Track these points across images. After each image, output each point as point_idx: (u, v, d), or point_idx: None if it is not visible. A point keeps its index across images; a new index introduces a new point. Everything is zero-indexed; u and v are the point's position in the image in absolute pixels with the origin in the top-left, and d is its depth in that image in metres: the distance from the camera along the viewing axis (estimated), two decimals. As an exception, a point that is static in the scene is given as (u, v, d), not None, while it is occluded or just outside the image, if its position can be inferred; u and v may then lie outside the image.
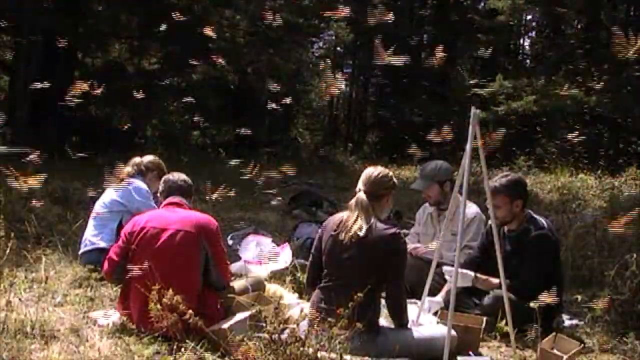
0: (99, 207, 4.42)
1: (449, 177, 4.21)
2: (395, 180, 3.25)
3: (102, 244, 4.20)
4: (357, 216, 3.10)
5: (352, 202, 3.16)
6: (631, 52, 2.41)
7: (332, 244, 3.14)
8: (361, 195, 3.14)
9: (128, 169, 4.50)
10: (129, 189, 4.36)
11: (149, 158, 4.60)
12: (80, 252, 4.30)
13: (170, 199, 3.43)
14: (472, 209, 4.19)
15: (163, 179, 3.58)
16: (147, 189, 4.44)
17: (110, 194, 4.41)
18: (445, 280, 3.70)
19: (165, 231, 3.23)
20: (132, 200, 4.34)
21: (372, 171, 3.21)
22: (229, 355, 2.80)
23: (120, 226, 4.23)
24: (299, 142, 17.53)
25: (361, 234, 3.04)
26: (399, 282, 3.12)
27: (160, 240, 3.22)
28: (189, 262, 3.20)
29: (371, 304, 2.98)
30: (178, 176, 3.55)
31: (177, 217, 3.30)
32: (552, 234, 3.72)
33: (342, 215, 3.21)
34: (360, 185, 3.19)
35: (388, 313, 3.23)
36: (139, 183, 4.44)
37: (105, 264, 3.40)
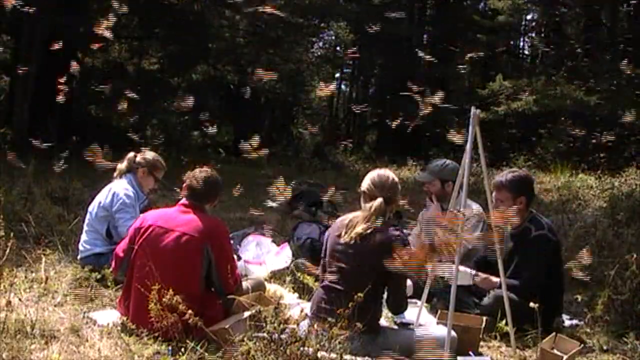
0: (89, 212, 4.33)
1: (453, 178, 4.21)
2: None
3: (97, 249, 4.19)
4: (368, 218, 3.08)
5: (368, 206, 3.13)
6: None
7: (335, 244, 3.15)
8: (380, 201, 3.11)
9: (121, 165, 4.37)
10: (112, 193, 4.23)
11: (143, 154, 4.41)
12: (78, 257, 4.29)
13: (184, 201, 3.38)
14: (474, 207, 4.22)
15: (188, 174, 3.41)
16: (127, 193, 4.23)
17: (98, 199, 4.32)
18: (443, 279, 3.70)
19: (170, 232, 3.22)
20: (111, 207, 4.21)
21: (386, 176, 3.20)
22: (228, 355, 2.81)
23: (109, 230, 4.22)
24: (299, 142, 17.50)
25: (364, 232, 3.04)
26: (401, 282, 3.13)
27: (163, 242, 3.22)
28: (190, 266, 3.19)
29: (372, 304, 2.98)
30: (197, 178, 3.37)
31: (184, 219, 3.27)
32: (552, 235, 3.73)
33: (349, 216, 3.21)
34: (373, 188, 3.17)
35: (387, 308, 3.23)
36: (117, 187, 4.26)
37: (112, 261, 3.45)
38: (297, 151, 15.97)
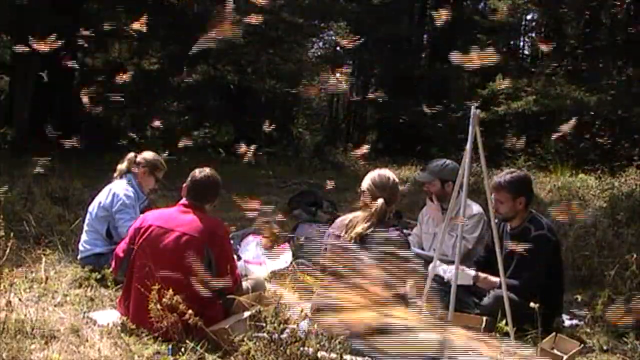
0: (89, 212, 4.34)
1: (453, 178, 4.21)
2: None
3: (97, 249, 4.19)
4: (369, 219, 3.09)
5: (370, 206, 3.14)
6: None
7: (334, 244, 3.15)
8: (381, 202, 3.12)
9: (122, 165, 4.38)
10: (112, 194, 4.24)
11: (144, 154, 4.42)
12: (78, 257, 4.30)
13: (184, 200, 3.39)
14: (474, 207, 4.22)
15: (190, 174, 3.43)
16: (127, 193, 4.24)
17: (98, 199, 4.33)
18: (443, 279, 3.70)
19: (170, 232, 3.23)
20: (111, 207, 4.22)
21: (387, 176, 3.20)
22: (229, 355, 2.81)
23: (109, 230, 4.23)
24: (299, 142, 17.48)
25: (365, 232, 3.04)
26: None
27: (164, 242, 3.21)
28: (190, 266, 3.19)
29: (371, 304, 2.98)
30: (199, 176, 3.39)
31: (185, 219, 3.27)
32: (552, 235, 3.73)
33: (349, 216, 3.20)
34: (373, 188, 3.17)
35: None
36: (117, 188, 4.27)
37: (112, 262, 3.46)
38: (297, 151, 15.95)
